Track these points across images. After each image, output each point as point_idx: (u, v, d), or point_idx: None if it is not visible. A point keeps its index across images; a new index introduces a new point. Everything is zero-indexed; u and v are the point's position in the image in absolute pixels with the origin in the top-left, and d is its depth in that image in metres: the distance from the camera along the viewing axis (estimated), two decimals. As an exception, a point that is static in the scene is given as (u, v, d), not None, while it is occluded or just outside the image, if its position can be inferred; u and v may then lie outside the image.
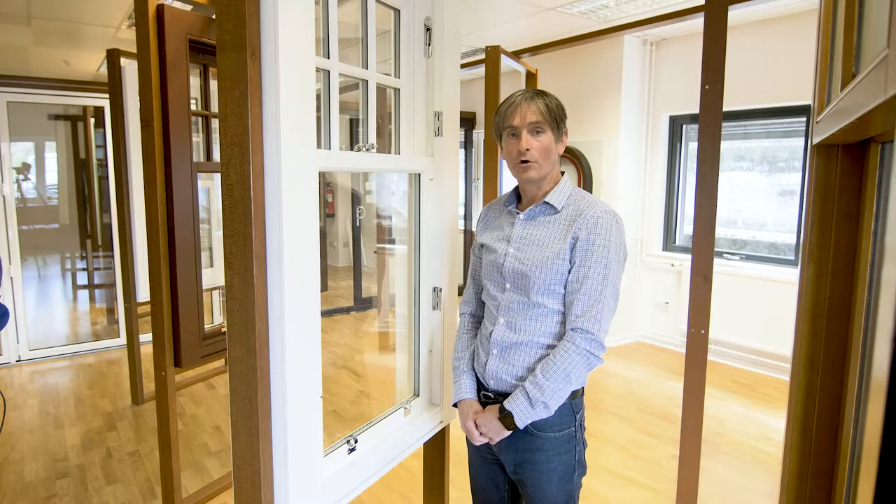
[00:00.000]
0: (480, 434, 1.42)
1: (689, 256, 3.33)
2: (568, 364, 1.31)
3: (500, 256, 1.45)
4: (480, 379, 1.49)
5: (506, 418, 1.35)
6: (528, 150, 1.37)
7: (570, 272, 1.36)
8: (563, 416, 1.39)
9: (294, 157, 1.10)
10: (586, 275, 1.33)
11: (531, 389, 1.32)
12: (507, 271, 1.43)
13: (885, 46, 0.53)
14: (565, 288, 1.37)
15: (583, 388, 1.44)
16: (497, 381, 1.43)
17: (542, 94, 1.40)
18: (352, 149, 1.49)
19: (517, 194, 1.51)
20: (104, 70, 3.79)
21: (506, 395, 1.41)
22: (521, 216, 1.45)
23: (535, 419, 1.34)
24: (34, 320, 5.07)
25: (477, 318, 1.60)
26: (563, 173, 1.48)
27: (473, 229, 6.68)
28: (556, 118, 1.38)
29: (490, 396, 1.45)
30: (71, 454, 3.05)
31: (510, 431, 1.37)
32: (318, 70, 1.30)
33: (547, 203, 1.41)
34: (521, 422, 1.34)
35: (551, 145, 1.39)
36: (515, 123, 1.38)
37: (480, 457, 1.56)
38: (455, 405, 1.51)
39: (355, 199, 7.42)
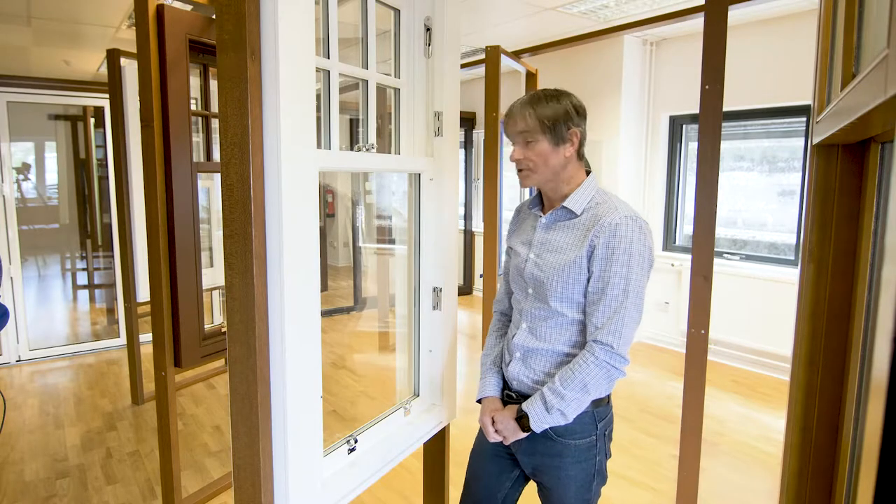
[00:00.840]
0: (495, 431, 1.42)
1: (689, 256, 3.33)
2: (586, 375, 1.28)
3: (522, 261, 1.45)
4: (506, 378, 1.50)
5: (521, 419, 1.35)
6: (518, 159, 1.37)
7: (589, 281, 1.32)
8: (584, 424, 1.37)
9: (294, 157, 1.10)
10: (606, 285, 1.29)
11: (549, 395, 1.31)
12: (528, 277, 1.42)
13: (885, 46, 0.53)
14: (585, 297, 1.34)
15: (608, 396, 1.40)
16: (519, 384, 1.44)
17: (538, 99, 1.36)
18: (352, 149, 1.49)
19: (541, 196, 1.49)
20: (104, 70, 3.79)
21: (527, 396, 1.41)
22: (543, 220, 1.43)
23: (552, 425, 1.33)
24: (34, 320, 5.07)
25: (507, 317, 1.61)
26: (588, 173, 1.43)
27: (474, 229, 6.72)
28: (549, 125, 1.34)
29: (512, 397, 1.46)
30: (71, 454, 3.05)
31: (525, 433, 1.37)
32: (318, 70, 1.30)
33: (566, 207, 1.38)
34: (537, 426, 1.33)
35: (546, 152, 1.35)
36: (508, 132, 1.39)
37: (494, 448, 1.54)
38: (479, 402, 1.52)
39: (355, 199, 7.42)
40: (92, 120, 5.36)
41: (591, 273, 1.32)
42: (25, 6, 3.24)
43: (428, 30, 1.66)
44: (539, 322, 1.40)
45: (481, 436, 1.56)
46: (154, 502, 2.59)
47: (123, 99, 3.60)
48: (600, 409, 1.39)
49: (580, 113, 1.37)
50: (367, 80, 1.52)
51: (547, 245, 1.40)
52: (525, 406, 1.35)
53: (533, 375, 1.40)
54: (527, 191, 3.66)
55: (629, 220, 1.30)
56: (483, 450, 1.58)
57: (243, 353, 1.10)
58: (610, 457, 1.46)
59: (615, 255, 1.28)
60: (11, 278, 4.43)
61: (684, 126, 4.81)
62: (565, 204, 1.38)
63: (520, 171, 1.39)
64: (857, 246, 1.10)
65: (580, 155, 1.41)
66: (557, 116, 1.34)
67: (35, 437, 3.24)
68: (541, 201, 1.49)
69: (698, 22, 2.22)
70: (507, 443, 1.42)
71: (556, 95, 1.36)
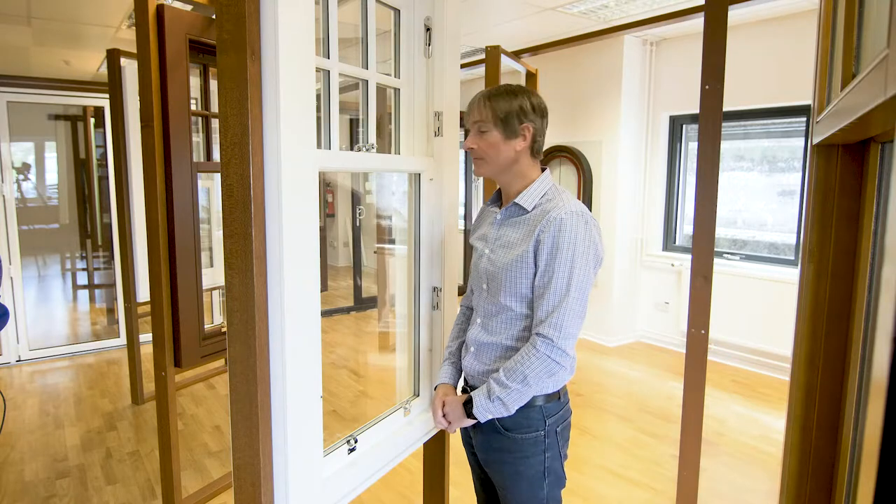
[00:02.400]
0: (443, 416, 1.44)
1: (689, 256, 3.33)
2: (526, 367, 1.29)
3: (479, 257, 1.48)
4: (463, 370, 1.54)
5: (466, 405, 1.37)
6: (471, 147, 1.40)
7: (535, 276, 1.34)
8: (530, 418, 1.38)
9: (294, 157, 1.10)
10: (550, 278, 1.30)
11: (492, 384, 1.33)
12: (482, 272, 1.45)
13: (885, 46, 0.53)
14: (533, 292, 1.35)
15: (558, 392, 1.40)
16: (472, 378, 1.48)
17: (496, 93, 1.39)
18: (352, 149, 1.49)
19: (499, 193, 1.53)
20: (104, 70, 3.79)
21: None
22: (498, 216, 1.45)
23: (496, 415, 1.35)
24: (34, 320, 5.07)
25: (472, 311, 1.63)
26: (544, 169, 1.46)
27: (473, 229, 6.72)
28: (504, 119, 1.37)
29: (466, 389, 1.49)
30: (71, 454, 3.05)
31: (472, 421, 1.39)
32: (318, 70, 1.30)
33: (517, 204, 1.40)
34: (479, 413, 1.34)
35: (498, 144, 1.38)
36: (466, 123, 1.43)
37: (469, 452, 1.59)
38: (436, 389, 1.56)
39: (355, 199, 7.42)
40: (92, 120, 5.36)
41: (537, 268, 1.33)
42: (25, 6, 3.24)
43: (428, 30, 1.66)
44: (490, 318, 1.43)
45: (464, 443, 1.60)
46: (154, 502, 2.59)
47: (123, 99, 3.60)
48: (551, 405, 1.39)
49: (536, 110, 1.39)
50: (367, 80, 1.52)
51: (500, 240, 1.42)
52: (472, 393, 1.37)
53: (483, 367, 1.43)
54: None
55: (575, 215, 1.31)
56: (465, 449, 1.62)
57: (243, 353, 1.10)
58: (566, 458, 1.45)
59: (560, 250, 1.29)
60: (11, 278, 4.43)
61: (684, 126, 4.81)
62: (516, 200, 1.40)
63: (474, 159, 1.43)
64: (857, 246, 1.10)
65: (534, 151, 1.42)
66: (511, 110, 1.37)
67: (35, 437, 3.24)
68: (500, 198, 1.52)
69: (698, 22, 2.22)
70: (452, 430, 1.45)
71: (515, 91, 1.39)
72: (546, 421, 1.39)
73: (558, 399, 1.41)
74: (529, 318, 1.37)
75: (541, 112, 1.41)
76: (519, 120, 1.38)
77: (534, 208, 1.39)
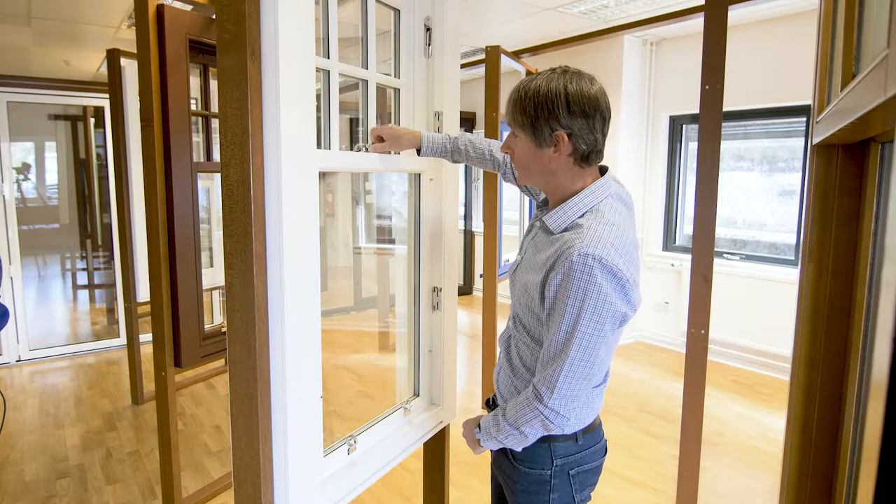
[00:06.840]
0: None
1: (689, 256, 3.33)
2: (519, 416, 1.15)
3: (514, 265, 1.31)
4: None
5: (476, 430, 1.28)
6: (505, 152, 1.21)
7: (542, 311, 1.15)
8: (535, 454, 1.23)
9: (294, 157, 1.10)
10: (550, 327, 1.09)
11: (491, 421, 1.22)
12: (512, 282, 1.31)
13: (885, 46, 0.53)
14: (539, 325, 1.18)
15: (576, 434, 1.23)
16: (496, 390, 1.39)
17: (534, 82, 1.13)
18: (352, 149, 1.49)
19: None
20: (104, 70, 3.79)
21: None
22: (537, 224, 1.25)
23: (496, 445, 1.25)
24: (34, 320, 5.07)
25: None
26: (605, 171, 1.21)
27: (474, 229, 6.72)
28: (528, 120, 1.09)
29: (489, 403, 1.44)
30: (71, 454, 3.05)
31: (480, 446, 1.28)
32: (318, 70, 1.30)
33: (544, 222, 1.19)
34: (484, 442, 1.25)
35: (527, 153, 1.14)
36: None
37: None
38: None
39: (355, 199, 7.41)
40: (92, 120, 5.36)
41: (543, 304, 1.13)
42: (25, 6, 3.24)
43: (428, 30, 1.66)
44: (511, 332, 1.30)
45: None
46: (154, 502, 2.59)
47: (123, 99, 3.60)
48: (564, 445, 1.22)
49: (574, 109, 1.08)
50: (367, 80, 1.52)
51: (528, 254, 1.23)
52: (482, 420, 1.27)
53: (500, 385, 1.34)
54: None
55: (591, 259, 1.02)
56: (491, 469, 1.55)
57: (243, 353, 1.10)
58: (586, 502, 1.30)
59: (564, 296, 1.05)
60: (11, 278, 4.43)
61: (684, 126, 4.81)
62: (544, 217, 1.18)
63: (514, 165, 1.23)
64: (857, 246, 1.10)
65: (584, 158, 1.14)
66: (538, 111, 1.09)
67: (35, 437, 3.24)
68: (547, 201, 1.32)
69: (698, 22, 2.22)
70: (475, 452, 1.32)
71: (550, 81, 1.11)
72: (554, 461, 1.23)
73: (575, 441, 1.24)
74: (531, 347, 1.22)
75: (582, 109, 1.09)
76: (549, 126, 1.09)
77: (562, 231, 1.13)
